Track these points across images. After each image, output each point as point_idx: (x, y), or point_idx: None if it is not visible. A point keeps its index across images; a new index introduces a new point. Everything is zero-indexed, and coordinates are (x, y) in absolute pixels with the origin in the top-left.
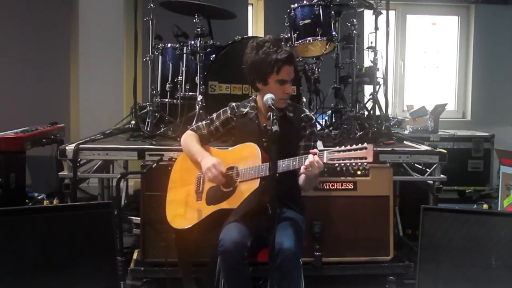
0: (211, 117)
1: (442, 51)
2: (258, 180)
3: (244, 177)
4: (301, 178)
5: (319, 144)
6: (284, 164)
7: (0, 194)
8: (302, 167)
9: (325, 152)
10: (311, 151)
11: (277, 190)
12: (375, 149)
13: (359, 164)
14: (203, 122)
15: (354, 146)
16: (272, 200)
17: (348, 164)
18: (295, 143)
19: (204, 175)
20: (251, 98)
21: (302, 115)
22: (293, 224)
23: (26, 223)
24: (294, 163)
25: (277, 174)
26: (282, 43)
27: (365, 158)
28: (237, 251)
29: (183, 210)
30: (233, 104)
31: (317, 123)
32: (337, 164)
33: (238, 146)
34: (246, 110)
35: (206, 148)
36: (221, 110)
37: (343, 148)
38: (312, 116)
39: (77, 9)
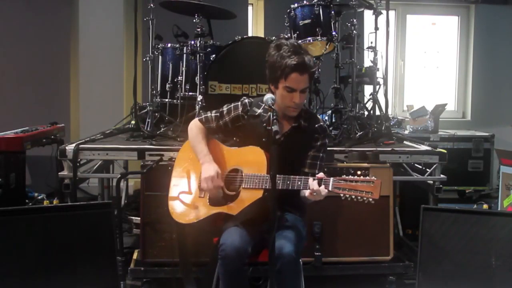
0: (221, 110)
1: (442, 51)
2: (262, 191)
3: (248, 184)
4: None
5: None
6: (288, 182)
7: (0, 194)
8: (307, 192)
9: (331, 179)
10: (317, 175)
11: (277, 195)
12: (375, 149)
13: (365, 199)
14: (213, 114)
15: (361, 178)
16: (272, 202)
17: (354, 196)
18: (305, 153)
19: (200, 183)
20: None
21: (316, 125)
22: (293, 228)
23: (26, 223)
24: (299, 183)
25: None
26: (302, 50)
27: (371, 194)
28: (237, 257)
29: (185, 204)
30: (246, 100)
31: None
32: (342, 195)
33: (245, 148)
34: (259, 111)
35: (213, 142)
36: (232, 105)
37: (350, 177)
38: (326, 127)
39: (77, 9)
